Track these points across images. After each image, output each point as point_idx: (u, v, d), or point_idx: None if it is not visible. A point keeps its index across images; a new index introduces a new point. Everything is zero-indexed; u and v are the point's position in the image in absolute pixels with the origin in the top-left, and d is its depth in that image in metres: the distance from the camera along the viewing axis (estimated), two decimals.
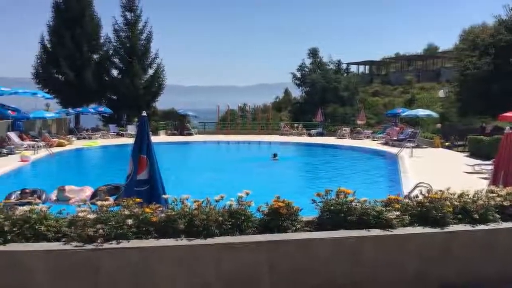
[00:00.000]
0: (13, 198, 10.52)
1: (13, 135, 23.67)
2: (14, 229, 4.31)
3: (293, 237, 4.60)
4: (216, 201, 4.85)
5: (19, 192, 11.15)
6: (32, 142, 23.50)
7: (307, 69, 49.77)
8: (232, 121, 39.97)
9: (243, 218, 4.69)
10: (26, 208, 4.52)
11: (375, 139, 30.65)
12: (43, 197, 11.20)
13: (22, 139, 23.99)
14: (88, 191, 11.80)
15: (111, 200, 8.89)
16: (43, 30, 36.20)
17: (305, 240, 4.59)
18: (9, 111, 24.38)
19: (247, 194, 4.92)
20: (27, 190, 11.18)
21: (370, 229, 4.81)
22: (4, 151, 20.93)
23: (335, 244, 4.65)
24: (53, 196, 11.55)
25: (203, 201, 4.78)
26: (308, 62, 50.57)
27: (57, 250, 4.17)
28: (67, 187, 11.78)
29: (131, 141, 27.85)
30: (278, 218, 4.75)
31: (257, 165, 21.48)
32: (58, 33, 35.33)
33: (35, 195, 11.04)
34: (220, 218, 4.58)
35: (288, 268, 4.53)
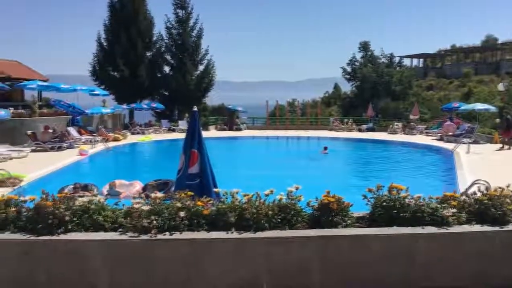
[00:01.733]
0: (65, 192, 10.95)
1: (72, 130, 24.81)
2: (74, 219, 4.53)
3: (344, 233, 4.54)
4: (266, 195, 4.87)
5: (71, 186, 11.56)
6: (89, 137, 24.55)
7: (357, 63, 48.78)
8: (281, 116, 39.92)
9: (292, 212, 4.69)
10: (85, 199, 4.74)
11: (429, 134, 29.60)
12: (94, 191, 11.52)
13: (80, 133, 25.10)
14: (138, 185, 12.06)
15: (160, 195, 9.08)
16: (99, 29, 37.72)
17: (356, 236, 4.52)
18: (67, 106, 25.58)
19: (297, 188, 4.91)
20: (78, 185, 11.58)
21: (424, 227, 4.66)
22: (64, 145, 21.98)
23: (387, 241, 4.55)
24: (105, 190, 11.89)
25: (253, 195, 4.82)
26: (359, 56, 49.57)
27: (114, 240, 4.35)
28: (117, 182, 12.09)
29: (182, 136, 28.40)
30: (328, 213, 4.70)
31: (307, 159, 21.35)
32: (114, 32, 36.63)
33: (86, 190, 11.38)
34: (270, 212, 4.60)
35: (338, 263, 4.48)
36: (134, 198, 4.87)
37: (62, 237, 4.38)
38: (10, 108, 23.39)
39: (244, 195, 4.79)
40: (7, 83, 25.90)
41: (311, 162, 20.60)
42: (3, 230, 4.46)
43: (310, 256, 4.44)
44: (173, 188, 10.74)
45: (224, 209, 4.62)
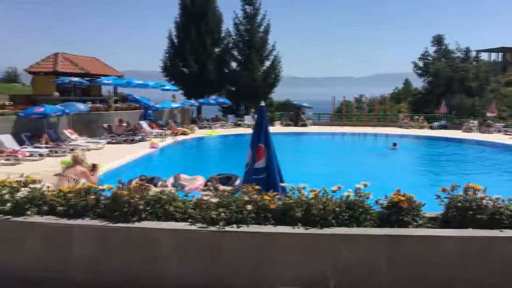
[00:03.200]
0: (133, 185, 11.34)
1: (144, 124, 25.93)
2: (148, 208, 4.74)
3: (415, 233, 4.39)
4: (333, 191, 4.81)
5: (138, 179, 12.02)
6: (160, 131, 25.54)
7: (430, 58, 46.65)
8: (347, 112, 39.19)
9: (360, 210, 4.59)
10: (158, 189, 4.94)
11: (508, 133, 27.76)
12: (159, 184, 11.88)
13: (151, 127, 26.17)
14: (201, 179, 12.29)
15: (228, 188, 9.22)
16: (171, 27, 39.02)
17: (428, 236, 4.35)
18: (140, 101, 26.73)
19: (365, 186, 4.80)
20: (144, 177, 12.02)
21: (503, 230, 4.39)
22: (137, 138, 23.04)
23: (461, 243, 4.33)
24: (169, 183, 12.22)
25: (320, 191, 4.78)
26: (431, 50, 47.40)
27: (184, 230, 4.51)
28: (181, 176, 12.42)
29: (248, 131, 28.90)
30: (398, 212, 4.56)
31: (375, 156, 20.82)
32: (184, 29, 37.75)
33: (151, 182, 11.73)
34: (337, 209, 4.54)
35: (408, 264, 4.34)
36: (203, 191, 5.00)
37: (136, 225, 4.60)
38: (89, 102, 24.85)
39: (311, 191, 4.77)
40: (86, 78, 27.53)
41: (379, 159, 20.08)
42: (84, 216, 4.76)
43: (379, 256, 4.33)
44: (236, 183, 10.92)
45: (291, 204, 4.62)
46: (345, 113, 38.74)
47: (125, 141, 22.44)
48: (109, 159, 16.54)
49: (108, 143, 21.67)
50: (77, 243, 4.68)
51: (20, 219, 4.73)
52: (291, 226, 4.49)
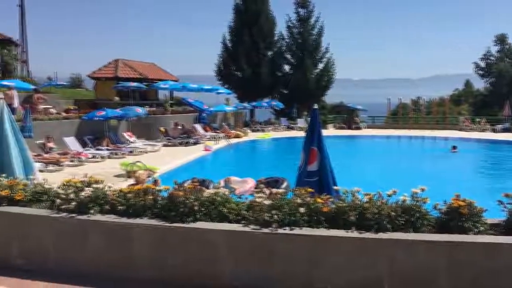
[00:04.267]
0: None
1: (198, 127, 26.51)
2: (202, 209, 4.86)
3: (477, 240, 4.20)
4: (388, 195, 4.71)
5: (189, 181, 12.24)
6: (213, 133, 26.01)
7: (493, 58, 44.49)
8: (404, 115, 38.07)
9: (418, 215, 4.47)
10: (212, 191, 5.05)
11: None
12: (210, 187, 12.02)
13: (205, 130, 26.70)
14: (251, 182, 12.33)
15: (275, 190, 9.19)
16: (225, 31, 39.68)
17: (490, 244, 4.16)
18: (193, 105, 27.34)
19: (423, 190, 4.66)
20: (196, 180, 12.23)
21: None
22: (191, 140, 23.59)
23: None
24: (220, 186, 12.30)
25: (374, 195, 4.70)
26: (494, 49, 45.17)
27: (237, 231, 4.57)
28: (232, 178, 12.51)
29: (300, 134, 28.80)
30: (458, 218, 4.39)
31: (433, 159, 20.10)
32: (237, 33, 38.26)
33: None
34: (393, 213, 4.44)
35: (468, 272, 4.17)
36: (256, 193, 5.05)
37: (192, 225, 4.72)
38: (146, 106, 25.74)
39: (366, 195, 4.69)
40: (144, 83, 28.54)
41: (437, 163, 19.36)
42: (142, 215, 4.95)
43: (437, 262, 4.19)
44: (283, 185, 10.89)
45: (345, 208, 4.57)
46: (401, 115, 37.67)
47: (180, 144, 23.04)
48: (165, 161, 17.05)
49: (164, 145, 22.34)
50: (137, 241, 4.87)
51: (84, 217, 5.00)
52: (345, 230, 4.44)
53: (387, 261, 4.29)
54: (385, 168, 17.41)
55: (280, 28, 40.50)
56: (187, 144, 23.14)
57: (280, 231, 4.47)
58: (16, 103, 19.08)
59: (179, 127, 24.74)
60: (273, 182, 11.80)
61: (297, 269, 4.45)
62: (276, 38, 39.90)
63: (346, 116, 35.89)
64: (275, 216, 4.55)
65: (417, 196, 4.60)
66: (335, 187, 4.95)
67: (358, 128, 33.84)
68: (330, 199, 4.83)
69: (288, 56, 39.92)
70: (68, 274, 4.94)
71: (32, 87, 23.65)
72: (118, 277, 4.85)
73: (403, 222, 4.42)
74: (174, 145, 22.75)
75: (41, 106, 21.67)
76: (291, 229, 4.49)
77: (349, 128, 33.85)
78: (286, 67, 40.31)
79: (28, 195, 5.50)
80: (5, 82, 21.27)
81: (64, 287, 4.72)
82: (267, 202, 4.73)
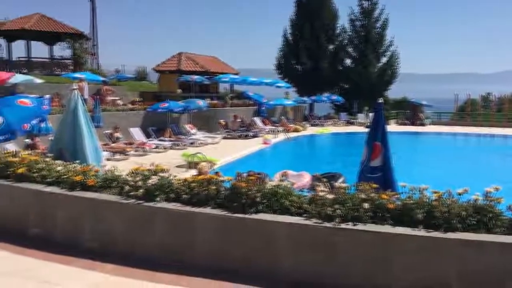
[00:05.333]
0: None
1: (257, 120, 26.67)
2: (264, 201, 4.88)
3: None
4: (459, 194, 4.50)
5: (245, 174, 12.26)
6: (272, 127, 26.07)
7: None
8: (472, 111, 36.22)
9: (490, 215, 4.23)
10: (274, 183, 5.06)
11: None
12: (266, 180, 11.90)
13: (265, 124, 26.82)
14: (307, 177, 12.19)
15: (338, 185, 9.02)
16: (286, 25, 39.52)
17: None
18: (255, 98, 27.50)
19: (497, 190, 4.41)
20: (252, 173, 12.23)
21: None
22: (250, 134, 23.78)
23: None
24: (277, 179, 12.27)
25: (444, 193, 4.50)
26: None
27: (299, 224, 4.56)
28: (289, 172, 12.43)
29: (360, 129, 28.21)
30: None
31: (505, 158, 18.98)
32: (299, 26, 37.98)
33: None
34: (463, 213, 4.24)
35: None
36: (311, 187, 5.01)
37: (253, 216, 4.76)
38: (207, 99, 26.24)
39: (434, 192, 4.51)
40: (206, 76, 29.10)
41: (509, 163, 18.25)
42: (206, 205, 5.05)
43: (509, 265, 3.95)
44: (339, 181, 10.70)
45: (411, 205, 4.42)
46: (469, 112, 35.87)
47: (239, 137, 23.30)
48: (224, 153, 17.31)
49: (224, 138, 22.69)
50: (200, 230, 4.99)
51: (150, 204, 5.18)
52: (411, 228, 4.29)
53: (456, 262, 4.10)
54: (451, 167, 16.66)
55: (343, 21, 39.79)
56: (246, 137, 23.36)
57: (343, 226, 4.40)
58: (86, 94, 20.13)
59: (239, 120, 25.02)
60: (329, 177, 11.62)
61: (360, 265, 4.37)
62: (338, 31, 39.22)
63: (410, 111, 34.67)
64: (338, 211, 4.48)
65: (491, 196, 4.36)
66: (401, 184, 4.79)
67: (422, 124, 32.60)
68: (396, 196, 4.69)
69: (350, 50, 39.10)
70: (135, 258, 5.15)
71: (101, 79, 24.84)
72: (180, 263, 4.99)
73: (474, 222, 4.20)
74: (233, 138, 23.05)
75: (109, 98, 22.71)
76: (354, 225, 4.41)
77: (413, 124, 32.70)
78: (348, 61, 39.53)
79: (99, 181, 5.78)
80: (77, 75, 22.50)
81: (131, 270, 4.92)
82: (330, 196, 4.67)
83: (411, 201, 4.48)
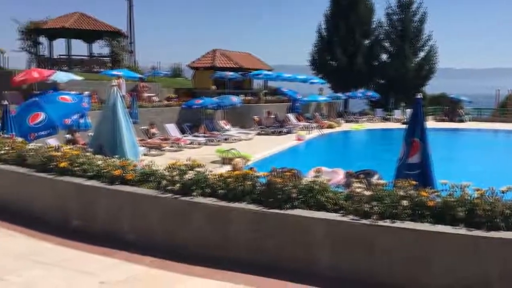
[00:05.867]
0: None
1: (291, 116, 26.61)
2: (300, 196, 4.86)
3: None
4: (502, 192, 4.34)
5: (279, 170, 12.18)
6: (306, 123, 25.95)
7: None
8: None
9: None
10: (310, 179, 5.03)
11: None
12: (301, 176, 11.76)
13: (298, 120, 26.73)
14: (341, 173, 12.04)
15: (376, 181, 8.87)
16: (320, 20, 39.15)
17: None
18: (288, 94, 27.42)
19: None
20: (286, 170, 12.14)
21: None
22: (284, 130, 23.75)
23: None
24: (309, 176, 12.10)
25: (486, 191, 4.36)
26: None
27: (335, 220, 4.51)
28: (322, 168, 12.29)
29: (396, 125, 27.68)
30: None
31: None
32: (333, 21, 37.53)
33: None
34: (507, 211, 4.09)
35: None
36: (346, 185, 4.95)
37: (289, 212, 4.75)
38: (241, 95, 26.35)
39: (476, 190, 4.37)
40: (240, 73, 29.22)
41: None
42: (241, 200, 5.08)
43: None
44: (375, 177, 10.51)
45: (452, 203, 4.30)
46: (511, 108, 34.57)
47: (273, 133, 23.31)
48: (258, 149, 17.36)
49: (258, 134, 22.75)
50: (235, 225, 5.02)
51: (187, 198, 5.25)
52: (451, 226, 4.18)
53: (498, 261, 3.97)
54: (492, 164, 16.13)
55: (379, 15, 39.10)
56: (279, 133, 23.35)
57: (381, 223, 4.33)
58: (123, 91, 20.59)
59: (272, 116, 25.03)
60: (364, 174, 11.46)
61: (398, 264, 4.29)
62: (374, 26, 38.54)
63: (448, 107, 33.75)
64: (376, 208, 4.41)
65: None
66: (441, 181, 4.67)
67: (462, 120, 31.70)
68: (436, 193, 4.57)
69: (386, 45, 38.39)
70: (172, 251, 5.24)
71: (138, 76, 25.34)
72: (215, 257, 5.04)
73: None
74: (267, 134, 23.08)
75: (145, 94, 23.16)
76: (392, 222, 4.33)
77: (451, 120, 31.86)
78: (384, 56, 38.82)
79: (138, 176, 5.90)
80: (114, 72, 23.04)
81: (168, 262, 5.00)
82: (367, 193, 4.60)
83: (452, 199, 4.36)
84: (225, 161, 14.34)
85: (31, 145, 7.66)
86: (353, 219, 4.44)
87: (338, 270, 4.53)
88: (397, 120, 30.57)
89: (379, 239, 4.34)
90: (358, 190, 4.69)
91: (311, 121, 27.04)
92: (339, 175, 12.03)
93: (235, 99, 23.18)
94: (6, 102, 9.87)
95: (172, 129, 19.74)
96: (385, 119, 32.20)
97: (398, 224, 4.29)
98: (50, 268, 4.87)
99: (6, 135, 8.56)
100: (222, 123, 22.97)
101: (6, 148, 7.42)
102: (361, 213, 4.46)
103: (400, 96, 35.05)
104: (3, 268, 4.83)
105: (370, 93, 35.03)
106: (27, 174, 6.66)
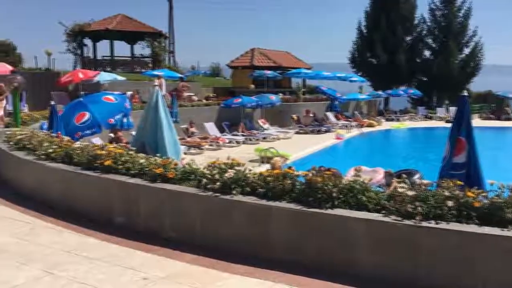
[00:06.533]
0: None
1: (330, 115, 26.34)
2: (340, 196, 4.80)
3: None
4: None
5: (319, 169, 12.00)
6: (345, 122, 25.64)
7: None
8: None
9: None
10: (351, 178, 4.96)
11: None
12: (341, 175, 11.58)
13: (337, 118, 26.43)
14: (382, 173, 11.79)
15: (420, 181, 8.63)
16: (360, 17, 38.55)
17: None
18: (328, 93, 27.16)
19: None
20: (324, 169, 11.97)
21: None
22: (323, 129, 23.55)
23: None
24: (349, 175, 11.93)
25: None
26: None
27: (377, 221, 4.43)
28: (362, 168, 12.05)
29: (439, 124, 26.91)
30: None
31: None
32: (374, 18, 36.86)
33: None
34: None
35: None
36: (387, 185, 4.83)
37: (329, 211, 4.70)
38: (280, 94, 26.33)
39: None
40: (278, 71, 29.21)
41: None
42: (281, 199, 5.07)
43: None
44: (416, 177, 10.22)
45: (500, 204, 4.14)
46: None
47: (311, 132, 23.16)
48: (297, 148, 17.30)
49: (296, 133, 22.67)
50: (275, 223, 5.01)
51: (227, 197, 5.29)
52: (500, 228, 4.02)
53: None
54: None
55: (421, 10, 38.10)
56: (318, 132, 23.18)
57: (424, 224, 4.21)
58: (164, 90, 21.00)
59: (311, 115, 24.86)
60: (405, 174, 11.17)
61: (442, 266, 4.16)
62: (416, 22, 37.60)
63: (495, 105, 32.48)
64: (419, 208, 4.30)
65: None
66: (489, 181, 4.50)
67: (509, 119, 30.43)
68: (483, 194, 4.41)
69: (429, 41, 37.39)
70: (212, 248, 5.29)
71: (179, 75, 25.79)
72: (255, 255, 5.05)
73: None
74: (306, 133, 22.96)
75: (185, 94, 23.52)
76: (436, 223, 4.21)
77: (498, 118, 30.65)
78: (427, 53, 37.82)
79: (179, 174, 5.99)
80: (155, 72, 23.54)
81: (208, 260, 5.06)
82: (410, 193, 4.49)
83: (500, 200, 4.19)
84: (263, 160, 14.36)
85: (77, 144, 7.93)
86: (395, 220, 4.35)
87: (380, 271, 4.44)
88: (441, 119, 29.74)
89: (422, 240, 4.23)
90: (401, 190, 4.58)
91: (350, 119, 26.68)
92: (380, 175, 11.81)
93: (273, 98, 23.18)
94: (53, 102, 10.25)
95: (211, 128, 19.96)
96: (428, 118, 31.35)
97: (442, 225, 4.16)
98: (96, 263, 5.02)
99: (53, 134, 8.88)
100: (260, 122, 23.02)
101: (54, 146, 7.71)
102: (404, 213, 4.36)
103: (443, 94, 34.05)
104: (53, 263, 5.02)
105: (412, 91, 34.19)
106: (74, 171, 6.90)
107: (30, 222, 6.59)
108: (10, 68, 17.54)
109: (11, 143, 9.18)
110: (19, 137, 9.03)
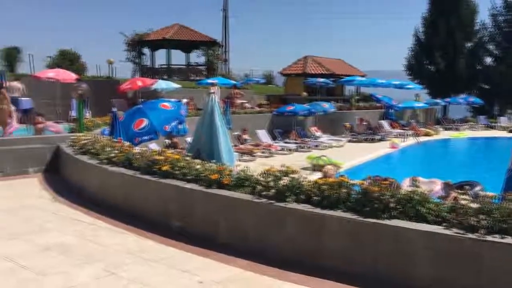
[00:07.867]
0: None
1: (384, 123, 25.72)
2: (398, 206, 4.69)
3: None
4: None
5: (375, 178, 11.70)
6: (401, 131, 24.91)
7: None
8: None
9: None
10: (409, 189, 4.83)
11: None
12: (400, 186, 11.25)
13: (392, 127, 25.76)
14: (439, 184, 11.36)
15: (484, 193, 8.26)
16: (417, 23, 37.54)
17: None
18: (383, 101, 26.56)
19: None
20: (378, 178, 11.66)
21: None
22: (377, 137, 23.02)
23: None
24: (405, 185, 11.59)
25: None
26: None
27: (438, 233, 4.28)
28: (419, 178, 11.67)
29: (502, 134, 25.58)
30: None
31: None
32: (432, 24, 35.76)
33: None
34: None
35: None
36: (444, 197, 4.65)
37: (386, 222, 4.60)
38: (333, 101, 26.05)
39: None
40: (331, 79, 28.94)
41: None
42: (336, 208, 5.02)
43: None
44: (476, 189, 9.74)
45: None
46: None
47: (365, 140, 22.70)
48: (349, 157, 17.00)
49: (349, 141, 22.30)
50: (329, 232, 4.97)
51: (281, 204, 5.30)
52: None
53: None
54: None
55: (482, 16, 36.56)
56: (372, 140, 22.69)
57: (489, 238, 4.03)
58: (218, 97, 21.35)
59: (365, 123, 24.41)
60: (462, 187, 10.71)
61: (508, 282, 3.96)
62: (477, 28, 36.11)
63: None
64: (483, 222, 4.12)
65: None
66: None
67: None
68: None
69: (491, 47, 35.74)
70: (266, 255, 5.32)
71: (232, 82, 26.18)
72: (309, 263, 5.03)
73: None
74: (359, 141, 22.53)
75: (238, 101, 23.81)
76: (502, 237, 4.01)
77: None
78: (488, 60, 36.18)
79: (233, 181, 6.08)
80: (210, 80, 24.03)
81: (262, 266, 5.09)
82: (473, 205, 4.31)
83: None
84: (315, 168, 14.24)
85: (137, 149, 8.24)
86: (457, 233, 4.19)
87: (438, 285, 4.28)
88: (503, 128, 28.26)
89: (486, 255, 4.04)
90: (464, 202, 4.41)
91: (406, 128, 25.93)
92: (437, 186, 11.42)
93: (326, 105, 22.97)
94: (115, 109, 10.71)
95: (264, 135, 20.05)
96: (489, 127, 29.87)
97: (508, 240, 3.96)
98: (154, 265, 5.19)
99: (115, 139, 9.28)
100: (313, 129, 22.87)
101: (116, 151, 8.05)
102: (466, 226, 4.19)
103: (506, 103, 32.38)
104: (115, 263, 5.24)
105: (472, 99, 32.75)
106: (133, 176, 7.18)
107: (92, 223, 6.92)
108: (75, 76, 18.53)
109: (75, 147, 9.69)
110: (83, 142, 9.51)
